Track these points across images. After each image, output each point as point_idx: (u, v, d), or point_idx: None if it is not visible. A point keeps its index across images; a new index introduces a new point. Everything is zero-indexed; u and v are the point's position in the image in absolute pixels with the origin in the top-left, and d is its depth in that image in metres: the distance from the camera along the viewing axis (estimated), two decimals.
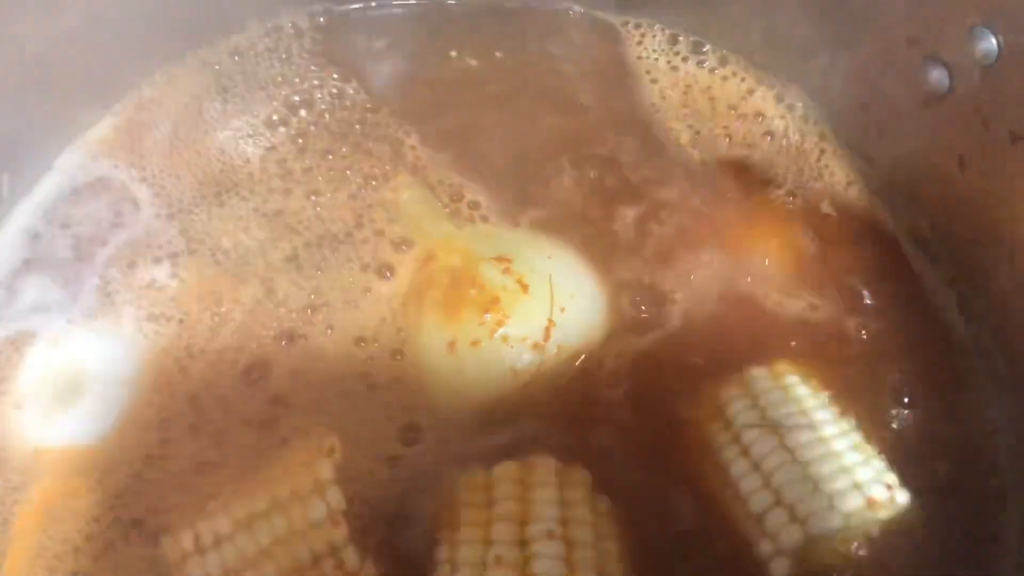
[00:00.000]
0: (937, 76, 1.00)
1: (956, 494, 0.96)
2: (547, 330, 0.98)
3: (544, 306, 0.99)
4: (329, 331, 1.04)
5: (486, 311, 0.98)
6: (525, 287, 1.00)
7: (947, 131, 1.01)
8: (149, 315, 1.06)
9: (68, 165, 1.16)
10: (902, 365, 1.03)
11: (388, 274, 1.08)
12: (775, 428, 0.91)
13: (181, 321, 1.05)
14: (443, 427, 0.98)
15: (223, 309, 1.06)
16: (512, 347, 0.97)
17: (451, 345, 0.98)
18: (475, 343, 0.97)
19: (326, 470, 0.89)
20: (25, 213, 1.13)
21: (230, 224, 1.12)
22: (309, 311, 1.06)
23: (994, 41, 0.91)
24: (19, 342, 1.06)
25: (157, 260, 1.10)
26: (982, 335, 1.04)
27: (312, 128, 1.18)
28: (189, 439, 0.98)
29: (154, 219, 1.13)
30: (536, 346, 0.97)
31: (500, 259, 1.02)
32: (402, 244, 1.10)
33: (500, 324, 0.97)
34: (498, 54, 1.25)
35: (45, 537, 0.94)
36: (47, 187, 1.14)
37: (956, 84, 0.98)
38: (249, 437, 0.98)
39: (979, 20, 0.91)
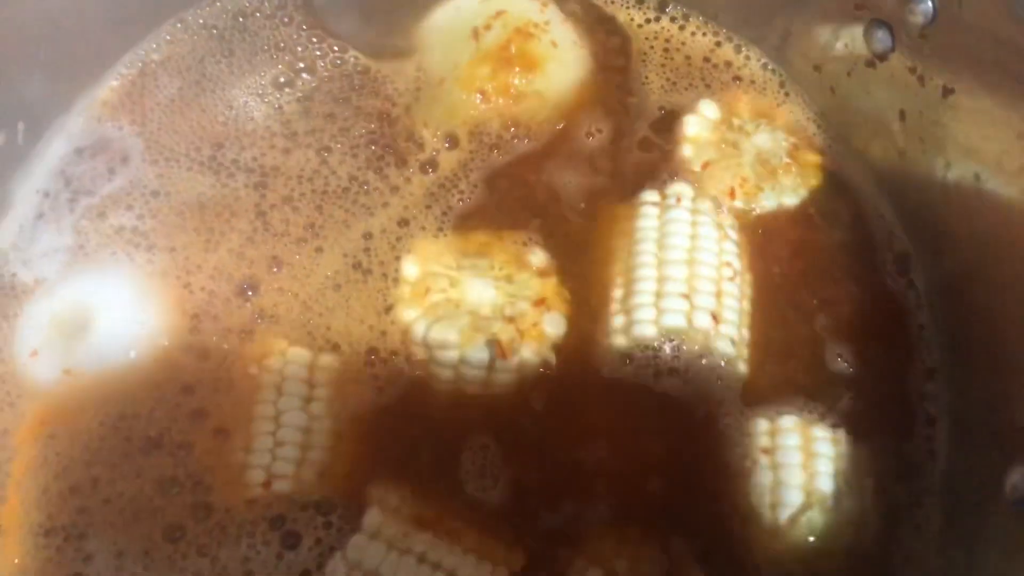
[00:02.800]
0: (880, 37, 1.10)
1: None
2: None
3: None
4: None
5: None
6: None
7: (889, 87, 1.12)
8: (141, 246, 1.13)
9: (73, 127, 1.23)
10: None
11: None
12: None
13: (173, 249, 1.13)
14: None
15: (215, 238, 1.14)
16: None
17: None
18: None
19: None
20: (36, 174, 1.19)
21: (223, 173, 1.19)
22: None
23: (930, 4, 1.01)
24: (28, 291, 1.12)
25: (154, 196, 1.17)
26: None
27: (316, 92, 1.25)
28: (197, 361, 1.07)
29: (148, 168, 1.19)
30: None
31: None
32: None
33: None
34: None
35: (52, 452, 1.02)
36: (56, 146, 1.21)
37: (897, 44, 1.08)
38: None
39: None
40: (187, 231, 1.14)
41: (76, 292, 1.10)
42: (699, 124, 1.22)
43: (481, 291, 1.08)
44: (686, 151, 1.20)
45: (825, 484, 0.99)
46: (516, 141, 1.20)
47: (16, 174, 1.17)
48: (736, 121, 1.23)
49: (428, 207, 1.18)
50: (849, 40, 1.15)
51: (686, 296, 1.06)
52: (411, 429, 1.05)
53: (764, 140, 1.21)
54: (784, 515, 0.98)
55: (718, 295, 1.07)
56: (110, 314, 1.08)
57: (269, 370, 1.05)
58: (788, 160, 1.20)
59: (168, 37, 1.28)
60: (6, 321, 1.11)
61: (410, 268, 1.12)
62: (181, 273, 1.11)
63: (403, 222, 1.17)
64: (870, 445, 1.04)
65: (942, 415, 1.08)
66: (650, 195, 1.16)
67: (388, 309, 1.11)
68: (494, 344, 1.04)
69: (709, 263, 1.09)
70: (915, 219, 1.15)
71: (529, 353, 1.06)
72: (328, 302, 1.11)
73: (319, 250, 1.13)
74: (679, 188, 1.16)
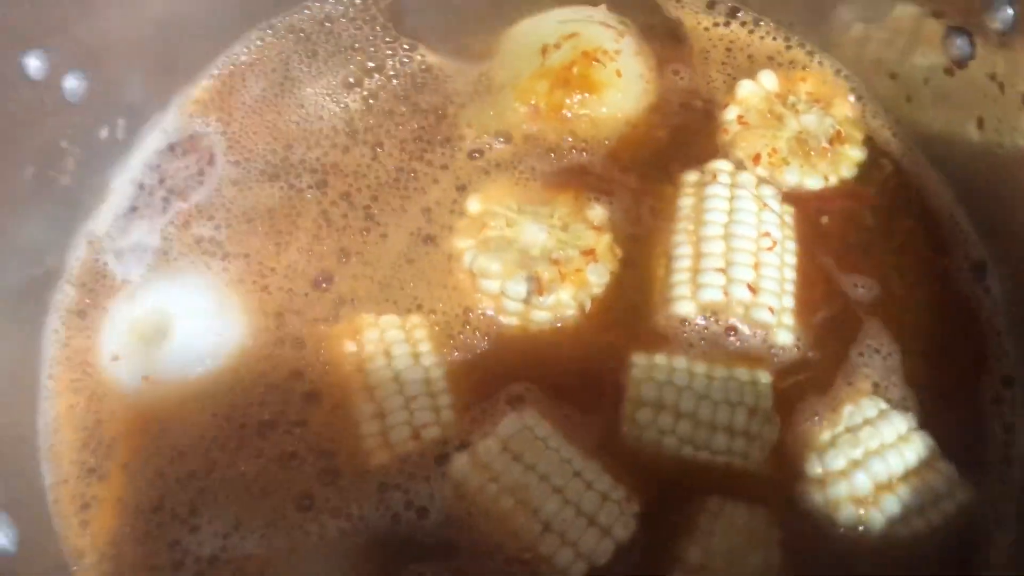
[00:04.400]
0: (959, 44, 1.12)
1: None
2: None
3: None
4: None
5: None
6: None
7: (968, 95, 1.14)
8: (217, 255, 1.18)
9: (168, 124, 1.28)
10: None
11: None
12: None
13: (247, 256, 1.17)
14: None
15: (284, 240, 1.19)
16: None
17: None
18: None
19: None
20: (132, 166, 1.25)
21: (292, 174, 1.24)
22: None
23: (1010, 11, 1.03)
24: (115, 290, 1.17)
25: (231, 204, 1.21)
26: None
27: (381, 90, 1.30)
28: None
29: (230, 169, 1.24)
30: None
31: None
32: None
33: None
34: None
35: (165, 443, 1.07)
36: (151, 141, 1.27)
37: (976, 51, 1.10)
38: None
39: None
40: (258, 235, 1.19)
41: (157, 298, 1.14)
42: (752, 90, 1.25)
43: (535, 234, 1.14)
44: (728, 113, 1.24)
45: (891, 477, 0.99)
46: (575, 152, 1.25)
47: (115, 166, 1.23)
48: (791, 99, 1.26)
49: (487, 173, 1.23)
50: (927, 48, 1.17)
51: (722, 270, 1.10)
52: (518, 366, 1.09)
53: (811, 121, 1.24)
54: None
55: (756, 266, 1.11)
56: (189, 322, 1.11)
57: (370, 341, 1.09)
58: (827, 146, 1.22)
59: (259, 41, 1.34)
60: (95, 311, 1.15)
61: (473, 204, 1.19)
62: (256, 277, 1.16)
63: (461, 187, 1.22)
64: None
65: (1019, 423, 1.09)
66: (690, 175, 1.20)
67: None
68: (533, 280, 1.10)
69: (747, 236, 1.12)
70: (993, 227, 1.17)
71: (566, 295, 1.11)
72: (404, 275, 1.16)
73: (384, 236, 1.18)
74: (716, 165, 1.19)
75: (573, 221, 1.17)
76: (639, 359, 1.08)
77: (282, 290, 1.15)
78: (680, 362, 1.07)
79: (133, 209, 1.22)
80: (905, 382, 1.09)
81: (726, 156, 1.21)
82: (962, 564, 1.02)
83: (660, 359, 1.08)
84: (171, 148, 1.26)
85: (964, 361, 1.13)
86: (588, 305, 1.13)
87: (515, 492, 0.98)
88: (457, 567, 0.99)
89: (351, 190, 1.22)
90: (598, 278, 1.13)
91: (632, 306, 1.14)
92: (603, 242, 1.16)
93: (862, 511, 0.99)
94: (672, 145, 1.25)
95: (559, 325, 1.12)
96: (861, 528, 0.99)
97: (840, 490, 1.00)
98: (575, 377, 1.10)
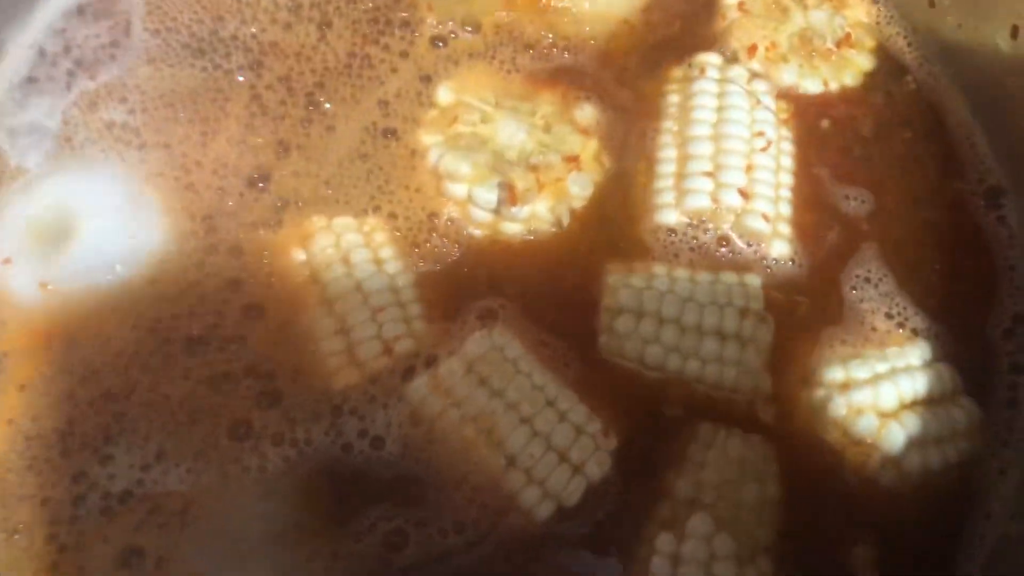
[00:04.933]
0: None
1: None
2: None
3: None
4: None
5: None
6: None
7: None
8: (132, 143, 1.03)
9: None
10: None
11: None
12: None
13: (167, 146, 1.04)
14: None
15: (211, 128, 1.05)
16: None
17: None
18: None
19: None
20: (33, 26, 1.08)
21: (219, 52, 1.10)
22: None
23: None
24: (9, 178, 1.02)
25: (147, 83, 1.07)
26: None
27: None
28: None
29: (148, 40, 1.09)
30: None
31: None
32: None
33: None
34: None
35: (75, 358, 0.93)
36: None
37: None
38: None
39: None
40: (180, 123, 1.05)
41: (59, 192, 1.00)
42: None
43: (513, 133, 1.02)
44: None
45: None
46: (556, 51, 1.12)
47: (11, 24, 1.07)
48: None
49: (455, 63, 1.10)
50: None
51: (710, 174, 0.99)
52: (492, 279, 0.99)
53: (820, 19, 1.14)
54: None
55: (748, 169, 1.00)
56: (97, 222, 0.99)
57: (323, 248, 0.97)
58: (832, 48, 1.13)
59: None
60: None
61: (444, 94, 1.07)
62: (180, 172, 1.03)
63: (425, 78, 1.09)
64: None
65: None
66: (677, 70, 1.10)
67: None
68: (506, 187, 0.97)
69: (738, 135, 1.02)
70: (1015, 151, 1.07)
71: (542, 207, 0.99)
72: (356, 173, 1.05)
73: (330, 128, 1.07)
74: (704, 58, 1.09)
75: (557, 122, 1.04)
76: (615, 267, 0.98)
77: (211, 188, 1.02)
78: (660, 268, 0.97)
79: (31, 80, 1.06)
80: (917, 311, 1.00)
81: (721, 46, 1.11)
82: (962, 517, 0.94)
83: (639, 266, 0.97)
84: (80, 10, 1.11)
85: (972, 296, 1.04)
86: (566, 220, 1.01)
87: (478, 420, 0.89)
88: (418, 518, 0.89)
89: (291, 74, 1.10)
90: (580, 189, 1.01)
91: (615, 221, 1.03)
92: (590, 148, 1.03)
93: (884, 425, 0.91)
94: (668, 39, 1.14)
95: (531, 239, 1.00)
96: (877, 444, 0.90)
97: (864, 397, 0.91)
98: (553, 295, 0.99)
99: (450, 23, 1.12)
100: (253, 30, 1.11)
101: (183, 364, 0.93)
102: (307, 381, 0.93)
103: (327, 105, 1.07)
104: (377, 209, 1.02)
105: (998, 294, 1.04)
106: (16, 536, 0.86)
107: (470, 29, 1.12)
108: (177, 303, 0.96)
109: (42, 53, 1.07)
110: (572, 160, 1.01)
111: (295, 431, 0.91)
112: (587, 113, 1.06)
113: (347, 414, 0.92)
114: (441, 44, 1.11)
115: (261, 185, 1.02)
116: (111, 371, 0.93)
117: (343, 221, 0.99)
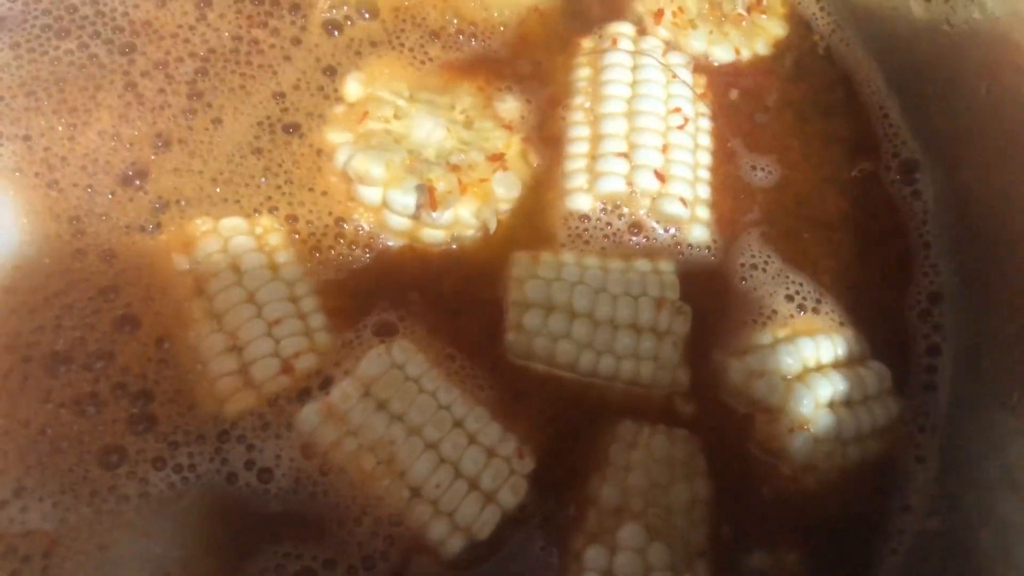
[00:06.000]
0: None
1: None
2: None
3: None
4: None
5: None
6: None
7: None
8: None
9: None
10: None
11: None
12: None
13: (27, 138, 0.94)
14: None
15: (79, 120, 0.96)
16: None
17: None
18: None
19: None
20: None
21: (86, 32, 1.00)
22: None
23: None
24: None
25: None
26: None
27: None
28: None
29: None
30: None
31: None
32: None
33: None
34: None
35: None
36: None
37: None
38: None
39: None
40: (43, 113, 0.96)
41: None
42: None
43: (430, 130, 0.94)
44: None
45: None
46: (463, 37, 1.06)
47: None
48: None
49: (358, 54, 1.03)
50: None
51: (624, 155, 0.95)
52: (394, 287, 0.92)
53: None
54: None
55: (664, 149, 0.96)
56: None
57: (208, 253, 0.88)
58: (743, 13, 1.10)
59: None
60: None
61: (353, 86, 0.99)
62: (41, 168, 0.94)
63: (328, 70, 1.02)
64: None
65: (947, 344, 0.99)
66: (587, 41, 1.05)
67: None
68: (425, 190, 0.89)
69: (653, 112, 0.97)
70: (929, 123, 1.05)
71: (466, 212, 0.92)
72: (248, 170, 0.96)
73: (217, 121, 0.98)
74: (615, 28, 1.04)
75: (479, 116, 0.97)
76: (520, 257, 0.91)
77: (79, 187, 0.94)
78: (568, 256, 0.91)
79: None
80: (828, 293, 0.98)
81: (627, 12, 1.07)
82: (882, 511, 0.93)
83: (546, 256, 0.91)
84: None
85: (885, 275, 1.02)
86: (493, 225, 0.94)
87: (376, 449, 0.81)
88: (325, 557, 0.81)
89: (169, 59, 1.01)
90: (507, 191, 0.94)
91: (536, 216, 0.97)
92: (515, 145, 0.97)
93: (789, 388, 0.88)
94: (580, 11, 1.09)
95: (454, 247, 0.94)
96: (784, 409, 0.87)
97: (762, 360, 0.89)
98: (465, 303, 0.92)
99: (344, 7, 1.04)
100: (123, 7, 1.01)
101: (44, 385, 0.84)
102: (189, 402, 0.84)
103: (212, 95, 0.98)
104: (274, 210, 0.93)
105: (913, 273, 1.02)
106: None
107: (367, 14, 1.04)
108: (38, 315, 0.87)
109: None
110: (496, 159, 0.94)
111: (177, 456, 0.82)
112: (510, 106, 0.99)
113: (234, 440, 0.84)
114: (336, 31, 1.03)
115: (137, 183, 0.93)
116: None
117: (231, 222, 0.91)
